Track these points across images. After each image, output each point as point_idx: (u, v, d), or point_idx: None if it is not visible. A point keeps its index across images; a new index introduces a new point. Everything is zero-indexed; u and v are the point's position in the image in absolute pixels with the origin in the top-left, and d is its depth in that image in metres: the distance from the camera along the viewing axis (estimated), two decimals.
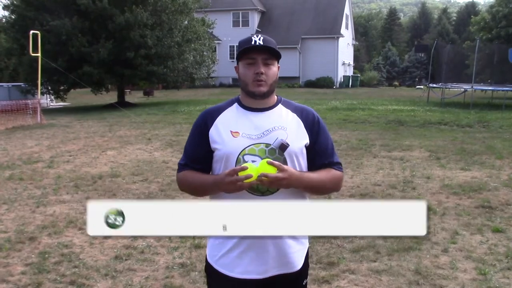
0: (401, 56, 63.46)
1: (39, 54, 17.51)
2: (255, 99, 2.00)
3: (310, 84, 41.30)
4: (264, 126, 1.97)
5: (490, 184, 7.26)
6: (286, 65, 42.11)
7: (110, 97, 27.05)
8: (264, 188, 1.90)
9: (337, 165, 2.11)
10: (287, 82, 41.66)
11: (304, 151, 2.01)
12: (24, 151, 10.94)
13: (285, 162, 1.92)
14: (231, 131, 1.97)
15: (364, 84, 47.47)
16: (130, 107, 23.43)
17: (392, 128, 14.20)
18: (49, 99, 27.19)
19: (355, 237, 5.01)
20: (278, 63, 2.03)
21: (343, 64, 45.42)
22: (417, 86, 44.70)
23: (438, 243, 4.81)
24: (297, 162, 1.98)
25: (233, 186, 1.82)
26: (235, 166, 1.90)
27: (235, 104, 2.06)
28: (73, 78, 20.77)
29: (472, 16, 40.45)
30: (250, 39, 1.95)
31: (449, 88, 24.72)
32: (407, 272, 4.13)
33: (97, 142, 12.10)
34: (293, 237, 2.03)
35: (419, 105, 22.17)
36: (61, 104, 27.90)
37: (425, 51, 41.34)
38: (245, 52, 1.95)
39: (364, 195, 6.67)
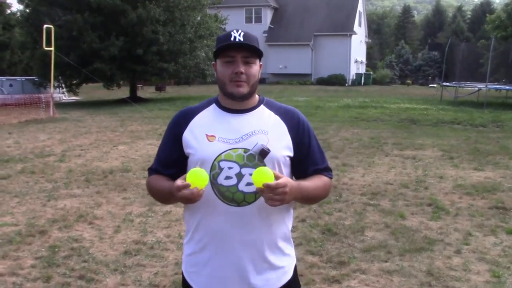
0: (415, 54, 62.86)
1: (52, 48, 17.59)
2: (234, 100, 1.82)
3: (322, 81, 41.12)
4: (243, 130, 1.80)
5: (504, 184, 7.15)
6: (298, 62, 42.09)
7: (122, 92, 27.15)
8: (240, 198, 1.75)
9: (327, 172, 1.94)
10: (299, 79, 41.57)
11: (288, 158, 1.84)
12: (36, 144, 11.01)
13: None
14: (206, 135, 1.80)
15: (377, 82, 47.15)
16: (142, 102, 23.50)
17: (405, 126, 14.09)
18: (61, 93, 27.35)
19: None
20: (260, 61, 1.84)
21: (356, 61, 45.19)
22: (430, 85, 44.29)
23: (451, 244, 4.74)
24: (279, 170, 1.79)
25: (185, 201, 1.69)
26: (209, 172, 1.75)
27: (213, 105, 1.90)
28: (86, 72, 20.88)
29: (487, 15, 39.97)
30: (229, 35, 1.77)
31: (463, 87, 24.47)
32: (419, 273, 4.07)
33: (109, 137, 12.13)
34: (275, 252, 1.86)
35: (432, 103, 21.98)
36: (73, 98, 28.07)
37: (439, 50, 41.04)
38: (224, 49, 1.77)
39: (375, 194, 6.60)
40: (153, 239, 4.92)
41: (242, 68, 1.77)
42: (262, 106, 1.89)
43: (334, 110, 18.37)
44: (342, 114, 17.10)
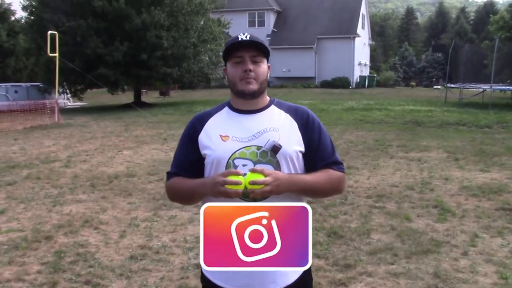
0: (418, 56, 62.83)
1: (56, 54, 17.67)
2: (245, 99, 1.91)
3: (326, 84, 41.13)
4: (255, 128, 1.88)
5: (510, 185, 7.11)
6: (302, 65, 42.09)
7: (127, 97, 27.21)
8: None
9: (336, 165, 1.97)
10: (303, 82, 41.57)
11: (300, 154, 1.91)
12: (41, 150, 11.04)
13: (278, 165, 1.84)
14: (220, 135, 1.89)
15: (381, 84, 47.12)
16: (146, 107, 23.55)
17: (409, 128, 14.05)
18: (66, 99, 27.46)
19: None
20: (268, 61, 1.94)
21: (359, 64, 45.16)
22: (435, 86, 44.23)
23: (458, 246, 4.72)
24: (292, 165, 1.88)
25: (218, 188, 1.71)
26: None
27: (226, 108, 1.99)
28: (90, 78, 20.96)
29: (491, 15, 39.85)
30: (236, 37, 1.88)
31: (467, 88, 24.40)
32: (425, 276, 4.05)
33: (114, 142, 12.16)
34: None
35: (436, 105, 21.91)
36: (78, 104, 28.17)
37: (443, 51, 40.98)
38: (232, 50, 1.87)
39: (381, 197, 6.58)
40: (159, 243, 4.92)
41: (251, 66, 1.86)
42: (272, 106, 2.00)
43: (338, 113, 18.36)
44: (346, 116, 17.09)
